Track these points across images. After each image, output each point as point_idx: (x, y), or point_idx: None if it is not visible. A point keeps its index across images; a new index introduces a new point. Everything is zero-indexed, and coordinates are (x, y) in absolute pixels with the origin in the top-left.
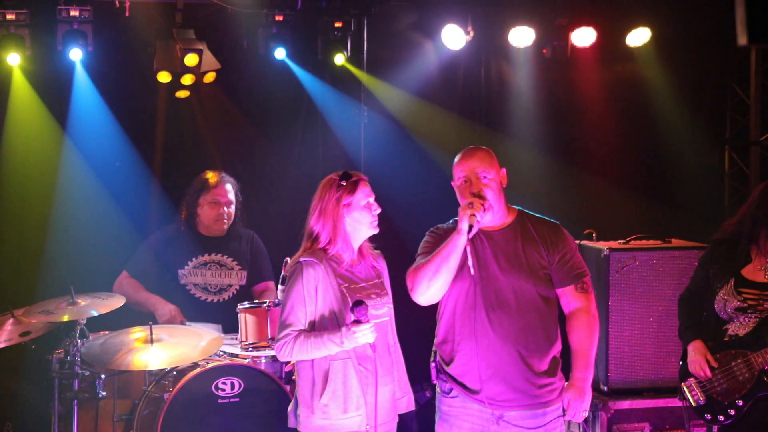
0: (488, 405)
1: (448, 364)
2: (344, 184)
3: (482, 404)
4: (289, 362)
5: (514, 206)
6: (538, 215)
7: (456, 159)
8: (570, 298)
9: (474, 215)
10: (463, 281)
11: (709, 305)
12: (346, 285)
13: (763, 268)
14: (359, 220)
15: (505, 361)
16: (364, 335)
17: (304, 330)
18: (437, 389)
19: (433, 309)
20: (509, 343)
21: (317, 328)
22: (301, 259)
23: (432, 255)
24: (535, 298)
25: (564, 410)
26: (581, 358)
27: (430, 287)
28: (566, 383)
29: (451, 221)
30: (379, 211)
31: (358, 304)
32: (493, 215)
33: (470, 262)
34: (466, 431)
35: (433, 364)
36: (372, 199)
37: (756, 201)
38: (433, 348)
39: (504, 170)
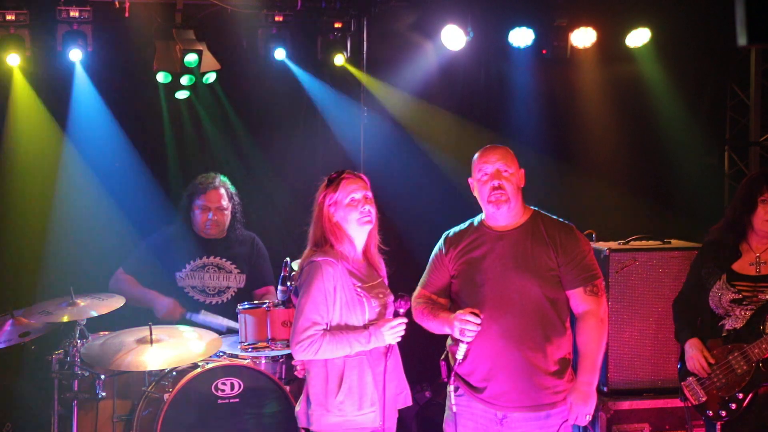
0: (491, 405)
1: (456, 362)
2: (327, 183)
3: (485, 404)
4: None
5: (530, 206)
6: (553, 216)
7: (476, 155)
8: (578, 300)
9: (465, 344)
10: (471, 281)
11: (704, 303)
12: (360, 285)
13: (754, 262)
14: (347, 219)
15: (507, 360)
16: (393, 334)
17: (325, 328)
18: (448, 387)
19: None
20: (511, 342)
21: (331, 326)
22: (319, 258)
23: (429, 314)
24: (540, 299)
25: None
26: (586, 361)
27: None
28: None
29: (466, 223)
30: (368, 207)
31: (402, 296)
32: (509, 212)
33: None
34: (470, 430)
35: (442, 363)
36: (359, 195)
37: (738, 197)
38: (447, 345)
39: (522, 171)
